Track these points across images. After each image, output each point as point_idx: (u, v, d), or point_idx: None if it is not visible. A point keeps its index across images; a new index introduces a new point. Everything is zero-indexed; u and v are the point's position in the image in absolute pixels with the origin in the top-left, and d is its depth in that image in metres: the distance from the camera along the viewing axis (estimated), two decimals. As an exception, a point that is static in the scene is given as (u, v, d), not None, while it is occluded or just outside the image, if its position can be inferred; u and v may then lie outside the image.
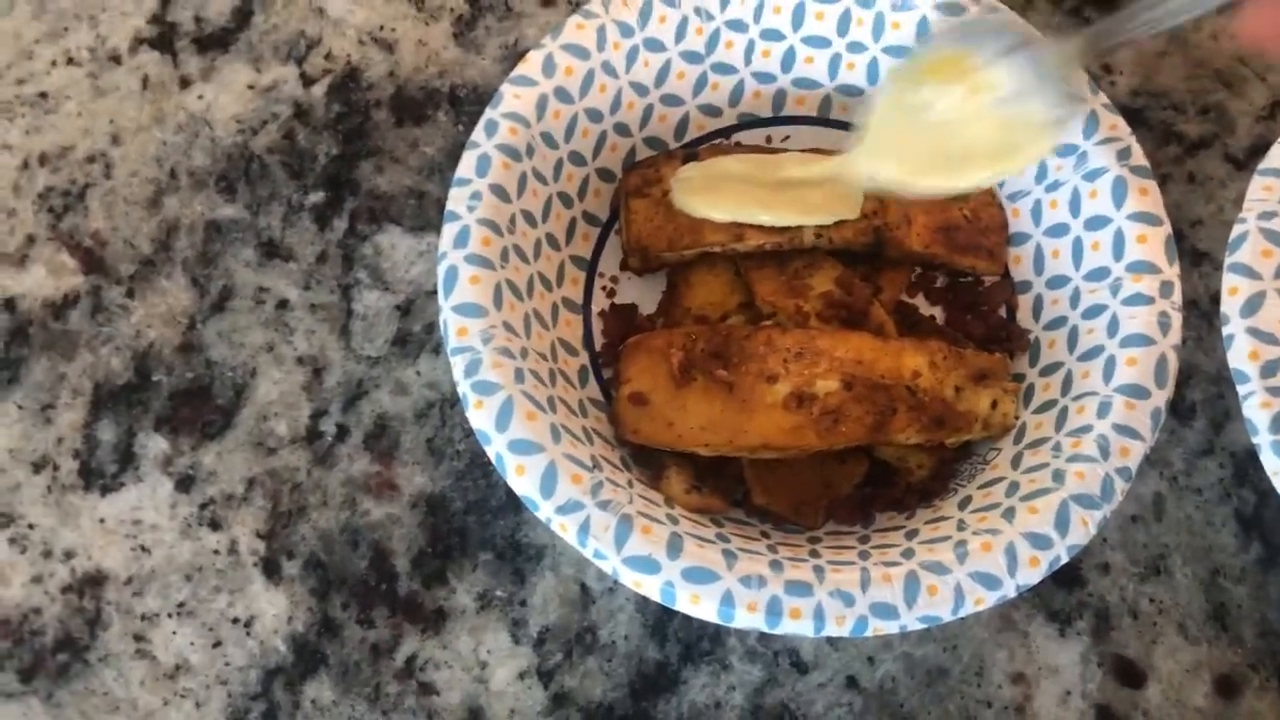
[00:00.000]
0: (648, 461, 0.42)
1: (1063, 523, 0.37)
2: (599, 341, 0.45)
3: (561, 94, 0.43)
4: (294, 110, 0.49)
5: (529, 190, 0.42)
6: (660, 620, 0.42)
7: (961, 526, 0.38)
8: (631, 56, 0.45)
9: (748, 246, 0.44)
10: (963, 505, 0.40)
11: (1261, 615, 0.42)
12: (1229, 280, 0.41)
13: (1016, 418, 0.42)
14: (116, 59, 0.50)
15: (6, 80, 0.50)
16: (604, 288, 0.46)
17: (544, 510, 0.37)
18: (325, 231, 0.47)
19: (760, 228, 0.43)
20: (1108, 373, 0.40)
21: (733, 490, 0.42)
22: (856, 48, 0.46)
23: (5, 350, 0.46)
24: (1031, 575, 0.36)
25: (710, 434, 0.40)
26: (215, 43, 0.50)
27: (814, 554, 0.38)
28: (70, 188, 0.48)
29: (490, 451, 0.37)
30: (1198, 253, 0.48)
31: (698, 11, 0.45)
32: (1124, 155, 0.42)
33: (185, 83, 0.50)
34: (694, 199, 0.44)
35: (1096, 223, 0.42)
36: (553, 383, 0.40)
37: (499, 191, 0.41)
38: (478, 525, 0.43)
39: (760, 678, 0.41)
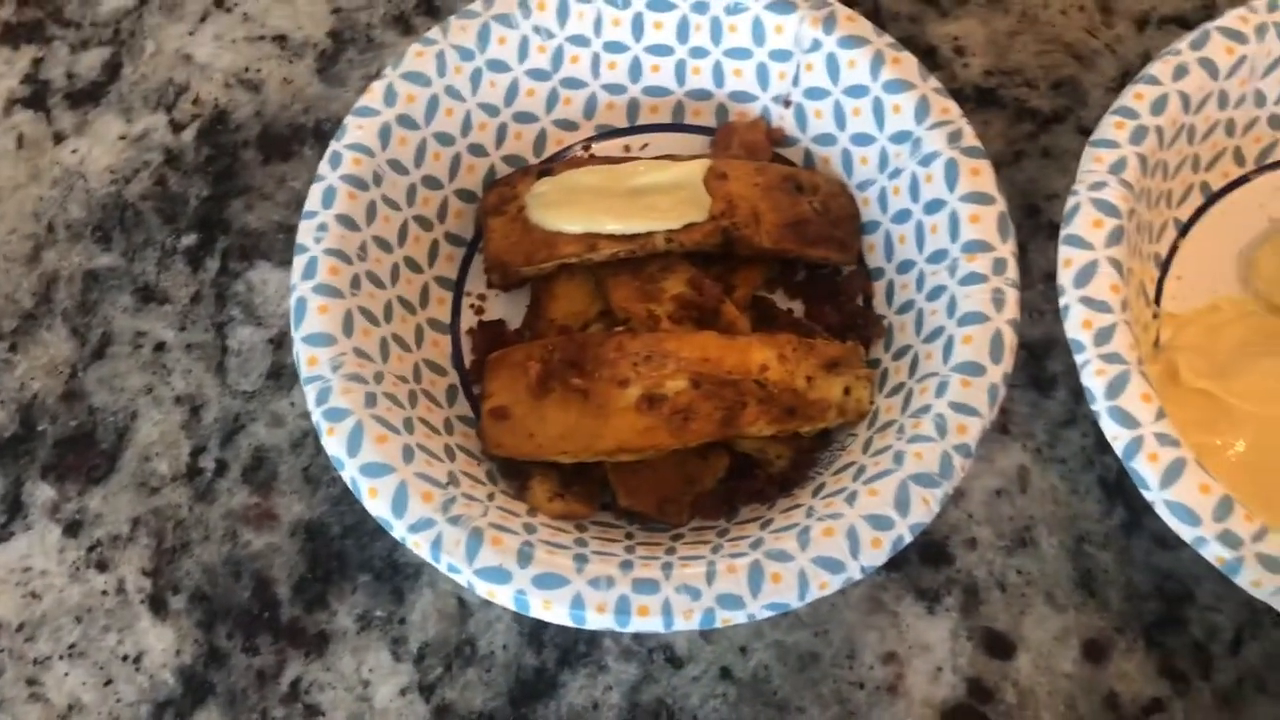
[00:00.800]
0: (515, 473, 0.43)
1: (903, 503, 0.38)
2: (469, 359, 0.46)
3: (405, 121, 0.44)
4: (165, 156, 0.51)
5: (380, 217, 0.44)
6: (536, 628, 0.43)
7: (810, 513, 0.39)
8: (475, 79, 0.46)
9: (602, 256, 0.44)
10: (816, 493, 0.41)
11: (1126, 579, 0.43)
12: (1064, 252, 0.41)
13: (871, 403, 0.43)
14: (-9, 121, 0.52)
15: (-112, 149, 0.51)
16: (472, 305, 0.47)
17: (398, 529, 0.38)
18: (199, 272, 0.49)
19: (612, 236, 0.44)
20: (946, 352, 0.40)
21: (598, 495, 0.43)
22: (699, 53, 0.47)
23: (-104, 412, 0.47)
24: (875, 556, 0.37)
25: (568, 442, 0.41)
26: (87, 97, 0.52)
27: (670, 551, 0.39)
28: (-49, 250, 0.49)
29: (345, 476, 0.39)
30: (1054, 226, 0.48)
31: (537, 30, 0.46)
32: (955, 138, 0.43)
33: (59, 138, 0.51)
34: (547, 213, 0.45)
35: (933, 206, 0.43)
36: (413, 404, 0.41)
37: (346, 221, 0.42)
38: (355, 548, 0.44)
39: (636, 675, 0.42)
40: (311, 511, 0.45)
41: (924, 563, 0.44)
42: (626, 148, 0.49)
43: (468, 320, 0.47)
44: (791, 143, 0.48)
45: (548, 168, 0.47)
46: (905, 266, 0.44)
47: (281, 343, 0.47)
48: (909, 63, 0.44)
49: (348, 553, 0.44)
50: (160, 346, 0.47)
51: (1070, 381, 0.46)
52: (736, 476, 0.43)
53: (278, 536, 0.45)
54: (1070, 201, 0.42)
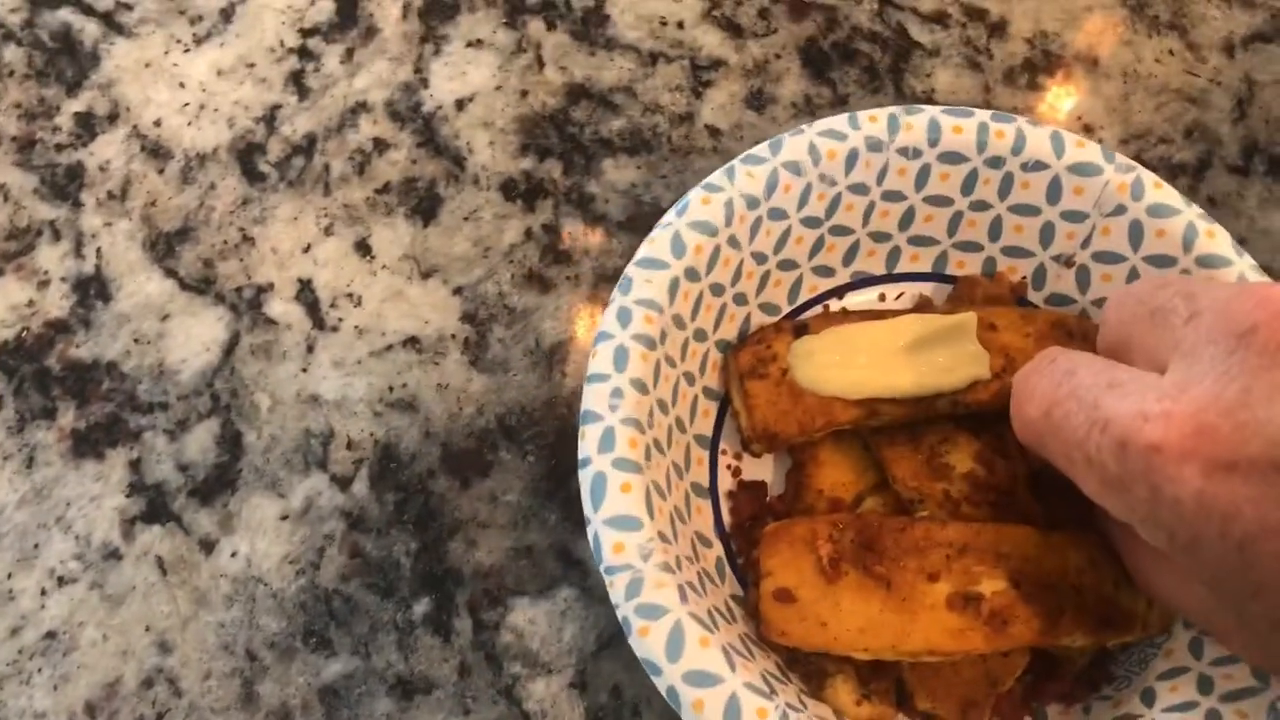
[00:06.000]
0: (802, 666, 0.38)
1: None
2: (727, 522, 0.42)
3: (691, 274, 0.40)
4: (347, 522, 0.43)
5: (662, 377, 0.39)
6: None
7: None
8: (755, 227, 0.42)
9: (882, 421, 0.41)
10: (1148, 700, 0.37)
11: None
12: None
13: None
14: (115, 554, 0.42)
15: (-9, 634, 0.41)
16: (728, 466, 0.43)
17: None
18: (451, 639, 0.41)
19: (894, 401, 0.40)
20: None
21: (892, 693, 0.39)
22: (980, 206, 0.44)
23: None
24: None
25: (870, 637, 0.37)
26: (218, 485, 0.43)
27: None
28: (141, 727, 0.40)
29: (661, 684, 0.33)
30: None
31: (822, 179, 0.43)
32: None
33: (209, 546, 0.42)
34: (822, 376, 0.40)
35: None
36: (704, 590, 0.37)
37: (639, 385, 0.38)
38: None
39: None
40: None
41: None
42: (882, 296, 0.46)
43: (724, 482, 0.43)
44: (1066, 302, 0.45)
45: (804, 323, 0.43)
46: None
47: (584, 684, 0.41)
48: (1223, 236, 0.41)
49: None
50: (452, 741, 0.40)
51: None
52: (1035, 674, 0.40)
53: None
54: None
